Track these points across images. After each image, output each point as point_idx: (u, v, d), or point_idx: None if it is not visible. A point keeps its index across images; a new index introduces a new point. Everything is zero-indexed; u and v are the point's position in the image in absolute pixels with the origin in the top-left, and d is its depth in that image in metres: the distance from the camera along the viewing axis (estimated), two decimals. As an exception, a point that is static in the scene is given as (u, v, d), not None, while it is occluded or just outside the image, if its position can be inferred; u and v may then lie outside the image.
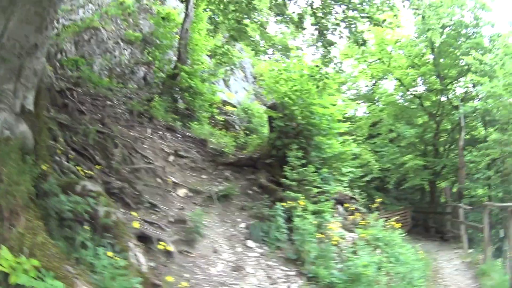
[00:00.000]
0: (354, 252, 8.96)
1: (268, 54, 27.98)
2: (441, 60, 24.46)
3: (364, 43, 10.85)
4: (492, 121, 21.01)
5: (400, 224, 11.98)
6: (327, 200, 9.82)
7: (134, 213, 7.41)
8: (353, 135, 29.79)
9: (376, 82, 30.48)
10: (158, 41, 15.60)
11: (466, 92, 25.67)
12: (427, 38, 23.72)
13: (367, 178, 23.63)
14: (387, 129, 28.19)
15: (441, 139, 27.80)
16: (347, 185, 12.96)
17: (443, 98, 26.19)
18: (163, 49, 15.62)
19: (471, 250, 15.11)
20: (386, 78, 28.27)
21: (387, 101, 27.70)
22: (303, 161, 10.01)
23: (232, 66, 17.52)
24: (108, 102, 11.62)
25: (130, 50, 15.43)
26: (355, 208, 12.13)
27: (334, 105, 11.90)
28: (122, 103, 12.05)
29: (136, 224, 6.14)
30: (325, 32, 10.64)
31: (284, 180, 9.85)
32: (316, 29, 10.76)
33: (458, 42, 22.92)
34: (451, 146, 27.28)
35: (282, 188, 10.09)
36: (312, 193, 9.82)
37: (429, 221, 25.79)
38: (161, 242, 6.56)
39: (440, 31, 23.03)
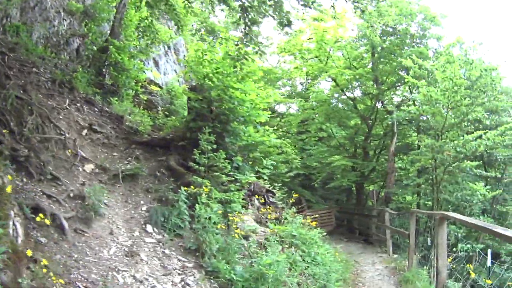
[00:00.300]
0: (265, 248, 8.59)
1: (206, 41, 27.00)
2: (381, 66, 24.30)
3: (289, 24, 10.17)
4: (426, 129, 20.86)
5: (315, 222, 11.74)
6: (238, 190, 9.32)
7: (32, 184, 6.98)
8: (282, 130, 30.06)
9: (311, 80, 30.07)
10: (96, 14, 14.59)
11: (402, 100, 25.63)
12: (369, 41, 23.56)
13: (291, 174, 23.34)
14: (317, 128, 27.90)
15: (372, 143, 27.84)
16: (267, 178, 12.60)
17: (379, 105, 26.25)
18: (99, 21, 14.76)
19: (396, 256, 14.87)
20: (321, 77, 27.65)
21: (318, 99, 27.30)
22: (215, 146, 9.41)
23: (155, 40, 16.77)
24: (35, 69, 10.78)
25: (69, 21, 14.54)
26: (272, 201, 11.64)
27: (258, 93, 11.24)
28: (48, 71, 11.25)
29: (9, 189, 5.30)
30: (249, 9, 9.89)
31: (192, 164, 9.22)
32: (239, 5, 10.00)
33: (402, 50, 22.83)
34: (381, 151, 27.40)
35: (192, 173, 9.49)
36: (221, 180, 9.29)
37: (354, 223, 25.52)
38: (55, 217, 6.13)
39: (381, 34, 22.98)
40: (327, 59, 25.86)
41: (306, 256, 9.92)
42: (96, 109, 11.76)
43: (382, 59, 24.10)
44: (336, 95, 27.84)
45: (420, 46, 22.93)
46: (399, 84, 25.54)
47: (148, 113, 14.46)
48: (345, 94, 26.69)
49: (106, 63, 13.68)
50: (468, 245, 12.89)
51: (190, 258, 7.43)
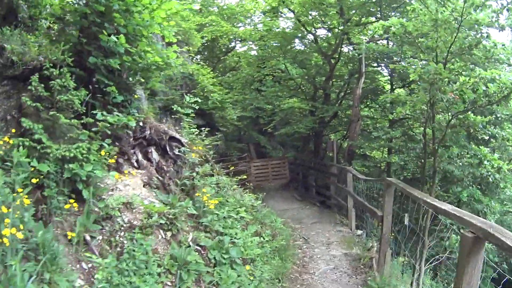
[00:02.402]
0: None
1: None
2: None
3: None
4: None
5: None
6: (94, 139, 5.83)
7: None
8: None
9: (269, 15, 25.36)
10: None
11: (372, 38, 21.10)
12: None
13: (233, 117, 19.89)
14: (272, 66, 23.57)
15: (335, 85, 23.79)
16: (191, 120, 9.60)
17: (345, 48, 22.36)
18: None
19: (360, 232, 11.25)
20: (281, 13, 23.28)
21: (269, 26, 22.77)
22: (66, 69, 5.94)
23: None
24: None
25: None
26: (177, 154, 8.13)
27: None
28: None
29: None
30: None
31: (25, 99, 5.73)
32: None
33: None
34: (345, 95, 23.35)
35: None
36: (62, 123, 5.63)
37: (310, 178, 21.37)
38: None
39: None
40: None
41: (214, 249, 6.43)
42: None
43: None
44: (299, 35, 23.39)
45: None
46: (368, 21, 21.26)
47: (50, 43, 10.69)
48: (305, 28, 22.12)
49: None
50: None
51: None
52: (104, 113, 6.05)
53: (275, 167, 24.32)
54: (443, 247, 10.00)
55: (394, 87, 19.02)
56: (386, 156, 18.50)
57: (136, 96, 7.38)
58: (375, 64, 21.94)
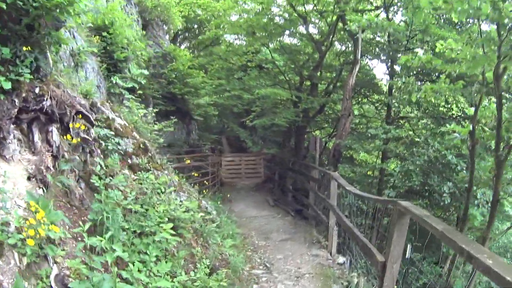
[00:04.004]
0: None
1: None
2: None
3: None
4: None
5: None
6: None
7: None
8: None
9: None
10: None
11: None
12: None
13: (200, 101, 17.29)
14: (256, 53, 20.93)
15: (324, 75, 20.97)
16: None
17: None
18: None
19: (341, 260, 8.39)
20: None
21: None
22: None
23: None
24: None
25: None
26: (84, 137, 5.49)
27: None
28: None
29: None
30: None
31: None
32: None
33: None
34: (335, 87, 20.34)
35: None
36: None
37: (287, 180, 18.30)
38: None
39: None
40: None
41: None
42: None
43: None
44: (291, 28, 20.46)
45: None
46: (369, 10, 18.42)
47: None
48: (294, 9, 18.88)
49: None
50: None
51: None
52: None
53: (249, 164, 21.88)
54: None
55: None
56: (379, 161, 15.47)
57: (25, 48, 4.58)
58: (370, 57, 19.31)
